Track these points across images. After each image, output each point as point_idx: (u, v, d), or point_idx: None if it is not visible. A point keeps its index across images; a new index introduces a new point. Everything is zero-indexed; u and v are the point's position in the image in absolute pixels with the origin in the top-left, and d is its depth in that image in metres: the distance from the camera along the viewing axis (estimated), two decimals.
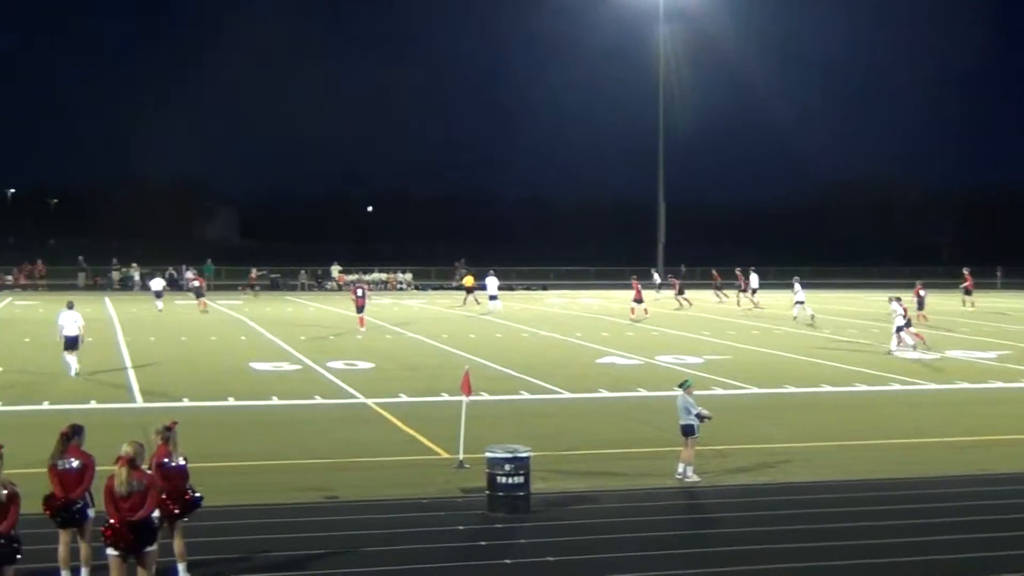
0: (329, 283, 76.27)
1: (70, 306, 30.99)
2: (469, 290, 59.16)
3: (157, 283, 56.31)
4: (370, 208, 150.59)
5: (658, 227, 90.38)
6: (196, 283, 58.93)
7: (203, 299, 54.23)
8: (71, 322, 30.01)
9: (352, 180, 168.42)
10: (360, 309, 44.39)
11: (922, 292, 48.31)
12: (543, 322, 47.91)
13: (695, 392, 18.97)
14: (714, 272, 66.64)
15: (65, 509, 12.36)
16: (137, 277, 73.01)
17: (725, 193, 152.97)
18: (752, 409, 25.65)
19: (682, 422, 18.20)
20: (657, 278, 68.37)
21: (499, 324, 46.89)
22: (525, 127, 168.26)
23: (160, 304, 52.78)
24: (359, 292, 45.52)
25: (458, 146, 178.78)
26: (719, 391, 27.90)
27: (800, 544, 14.65)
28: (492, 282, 55.87)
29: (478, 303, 56.53)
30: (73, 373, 29.37)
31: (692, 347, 37.94)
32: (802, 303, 48.98)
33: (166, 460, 12.64)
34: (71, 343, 29.87)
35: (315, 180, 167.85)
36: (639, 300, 50.21)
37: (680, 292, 59.75)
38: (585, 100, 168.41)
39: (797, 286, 49.72)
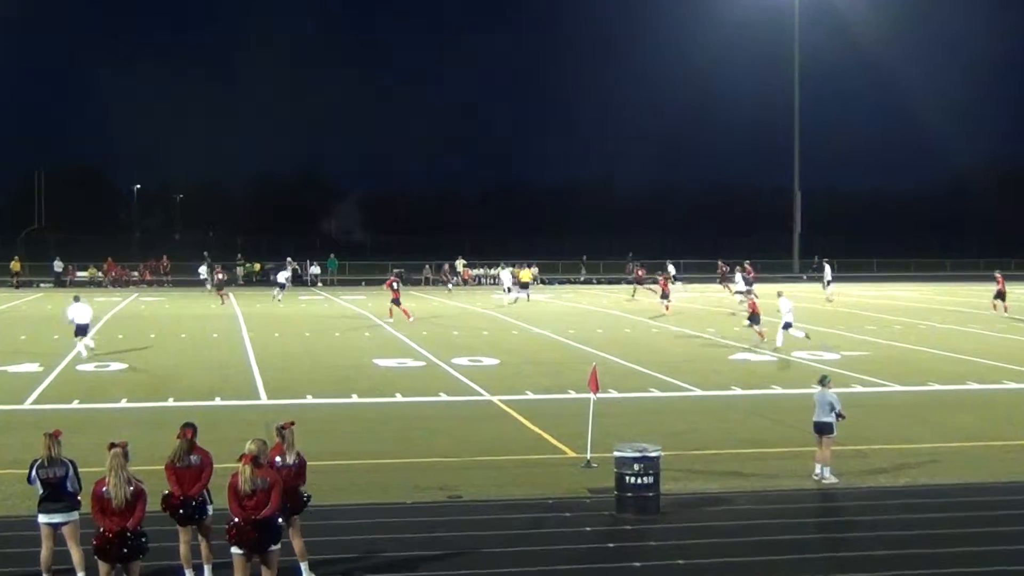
0: (454, 278, 76.80)
1: (77, 299, 34.22)
2: (640, 282, 60.99)
3: (282, 275, 58.01)
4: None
5: (793, 217, 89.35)
6: (220, 276, 60.34)
7: (224, 291, 55.90)
8: (81, 312, 33.20)
9: (473, 172, 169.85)
10: (396, 302, 45.21)
11: (1003, 283, 47.75)
12: (673, 316, 47.63)
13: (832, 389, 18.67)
14: (720, 264, 65.15)
15: (184, 507, 12.63)
16: (205, 273, 72.62)
17: (858, 182, 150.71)
18: (894, 407, 25.19)
19: (819, 419, 17.95)
20: (829, 271, 65.35)
21: (628, 319, 46.74)
22: (646, 116, 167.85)
23: (279, 295, 54.59)
24: (395, 285, 46.50)
25: (579, 137, 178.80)
26: (859, 388, 27.45)
27: (943, 550, 14.35)
28: (506, 276, 58.85)
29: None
30: (84, 354, 32.56)
31: (830, 342, 37.36)
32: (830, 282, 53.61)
33: (277, 459, 12.84)
34: (82, 330, 33.15)
35: (435, 173, 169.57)
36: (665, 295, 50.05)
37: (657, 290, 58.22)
38: (713, 87, 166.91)
39: (827, 268, 54.92)
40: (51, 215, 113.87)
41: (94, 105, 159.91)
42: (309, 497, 13.24)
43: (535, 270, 79.87)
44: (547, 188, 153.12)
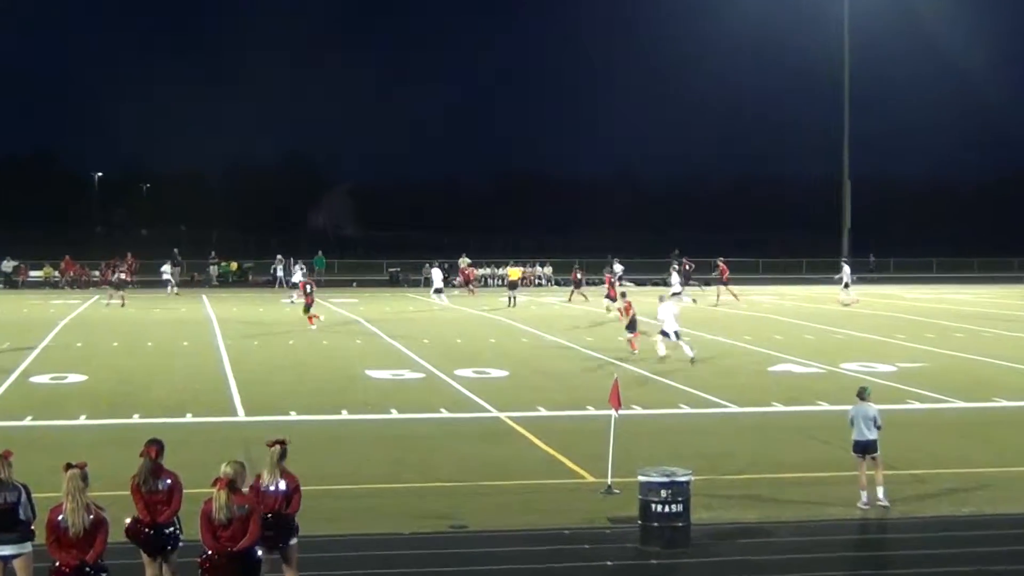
0: (456, 278, 76.81)
1: None
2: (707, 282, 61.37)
3: (298, 274, 59.07)
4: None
5: (843, 210, 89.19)
6: (122, 274, 60.55)
7: (122, 293, 56.27)
8: None
9: (475, 164, 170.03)
10: (308, 308, 45.52)
11: None
12: (706, 323, 47.58)
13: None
14: (721, 263, 64.98)
15: (151, 535, 12.62)
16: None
17: (914, 173, 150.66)
18: (955, 426, 25.16)
19: (861, 438, 17.96)
20: (848, 271, 64.96)
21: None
22: (674, 104, 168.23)
23: (295, 298, 56.51)
24: (308, 288, 46.97)
25: (600, 129, 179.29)
26: (915, 404, 27.43)
27: None
28: (437, 275, 59.82)
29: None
30: None
31: (883, 352, 37.38)
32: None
33: (266, 483, 12.82)
34: None
35: (434, 163, 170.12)
36: (612, 298, 49.47)
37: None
38: (756, 71, 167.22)
39: (846, 268, 57.64)
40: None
41: (52, 84, 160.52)
42: (294, 528, 13.19)
43: (549, 269, 79.98)
44: (565, 181, 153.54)
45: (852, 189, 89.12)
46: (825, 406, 27.26)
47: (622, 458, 19.07)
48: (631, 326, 36.84)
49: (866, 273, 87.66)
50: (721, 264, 62.42)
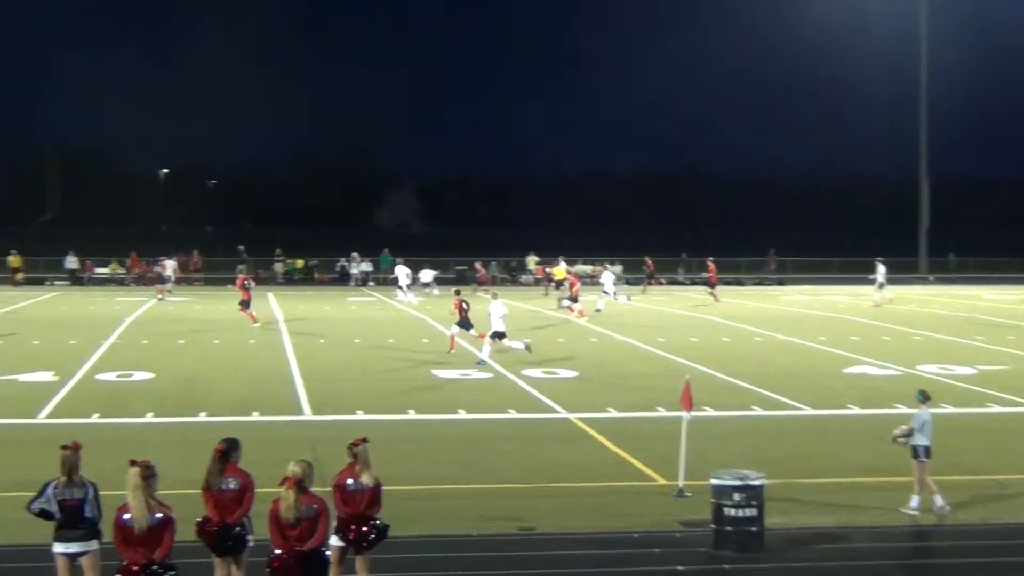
0: (524, 276, 76.87)
1: None
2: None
3: (427, 274, 59.77)
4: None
5: (920, 209, 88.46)
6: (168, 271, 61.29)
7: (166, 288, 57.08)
8: None
9: (544, 159, 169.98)
10: (245, 304, 45.37)
11: None
12: (779, 323, 47.38)
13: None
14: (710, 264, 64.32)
15: (221, 535, 12.74)
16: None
17: (994, 170, 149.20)
18: None
19: (930, 442, 17.87)
20: (882, 271, 63.56)
21: (727, 326, 46.56)
22: (747, 100, 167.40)
23: (406, 295, 58.69)
24: (247, 283, 46.73)
25: (670, 124, 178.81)
26: (996, 408, 27.18)
27: None
28: (401, 271, 61.34)
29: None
30: None
31: (962, 354, 37.07)
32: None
33: (349, 482, 12.90)
34: None
35: (502, 160, 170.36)
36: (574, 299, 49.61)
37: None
38: (831, 67, 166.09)
39: (881, 268, 57.68)
40: (65, 204, 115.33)
41: (116, 84, 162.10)
42: (385, 527, 13.27)
43: (619, 268, 79.68)
44: (637, 177, 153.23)
45: (930, 187, 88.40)
46: (902, 409, 26.97)
47: (694, 460, 19.01)
48: (464, 323, 36.75)
49: (946, 273, 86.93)
50: (711, 264, 62.24)
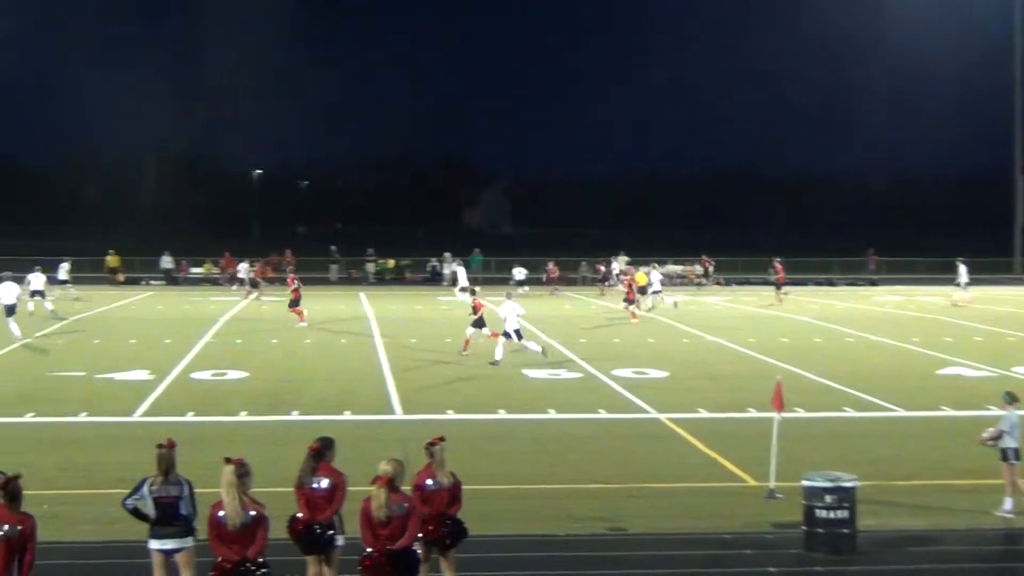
0: (613, 276, 76.61)
1: (2, 279, 40.47)
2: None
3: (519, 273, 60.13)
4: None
5: (1015, 207, 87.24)
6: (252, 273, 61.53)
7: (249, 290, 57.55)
8: (8, 292, 39.74)
9: (633, 159, 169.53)
10: (295, 303, 45.84)
11: None
12: (872, 324, 46.96)
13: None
14: (777, 264, 63.31)
15: (311, 533, 12.84)
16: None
17: None
18: None
19: (1014, 445, 17.66)
20: (964, 271, 61.93)
21: (818, 327, 46.22)
22: (828, 96, 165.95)
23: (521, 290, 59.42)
24: (295, 284, 47.11)
25: (763, 121, 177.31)
26: None
27: None
28: (462, 272, 61.31)
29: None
30: (18, 334, 38.25)
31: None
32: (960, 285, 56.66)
33: (428, 482, 12.96)
34: (10, 311, 39.44)
35: (591, 160, 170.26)
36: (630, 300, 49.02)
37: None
38: (914, 58, 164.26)
39: (962, 268, 57.32)
40: (161, 205, 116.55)
41: (209, 87, 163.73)
42: (464, 526, 13.31)
43: (704, 267, 79.31)
44: (728, 176, 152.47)
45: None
46: (996, 411, 26.63)
47: (785, 462, 18.91)
48: (479, 323, 36.44)
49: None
50: (778, 265, 61.57)
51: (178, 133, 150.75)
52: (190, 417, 25.58)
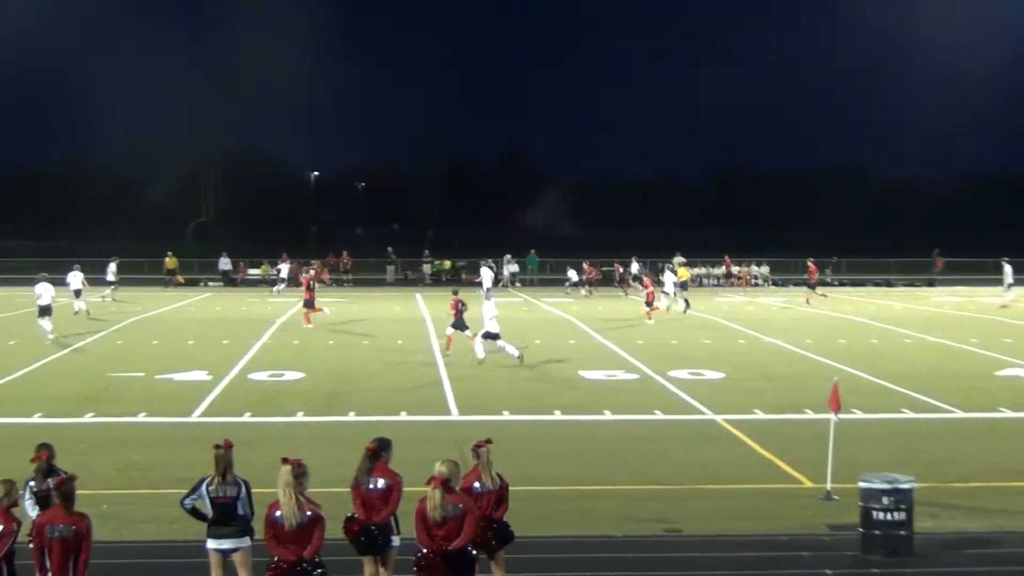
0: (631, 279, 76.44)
1: (43, 278, 40.90)
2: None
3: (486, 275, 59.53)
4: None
5: None
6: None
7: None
8: (45, 292, 40.03)
9: (687, 159, 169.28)
10: (309, 303, 45.68)
11: None
12: (929, 325, 46.62)
13: None
14: (811, 264, 62.74)
15: (367, 534, 12.88)
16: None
17: None
18: None
19: None
20: (1009, 271, 59.91)
21: (875, 328, 45.93)
22: (902, 94, 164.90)
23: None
24: (312, 284, 47.08)
25: (820, 120, 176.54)
26: None
27: None
28: (486, 274, 59.52)
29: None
30: (51, 335, 39.00)
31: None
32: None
33: (475, 484, 12.96)
34: (45, 311, 39.73)
35: (647, 160, 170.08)
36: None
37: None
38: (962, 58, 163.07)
39: (1008, 268, 56.83)
40: (219, 206, 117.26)
41: (267, 88, 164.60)
42: (510, 529, 13.29)
43: (765, 269, 79.05)
44: (781, 176, 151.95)
45: None
46: None
47: (841, 463, 18.82)
48: (459, 324, 35.85)
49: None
50: (811, 265, 61.30)
51: (236, 136, 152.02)
52: (247, 417, 25.72)
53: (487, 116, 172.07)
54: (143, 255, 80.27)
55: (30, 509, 12.56)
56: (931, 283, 78.30)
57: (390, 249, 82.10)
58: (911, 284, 77.46)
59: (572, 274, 69.54)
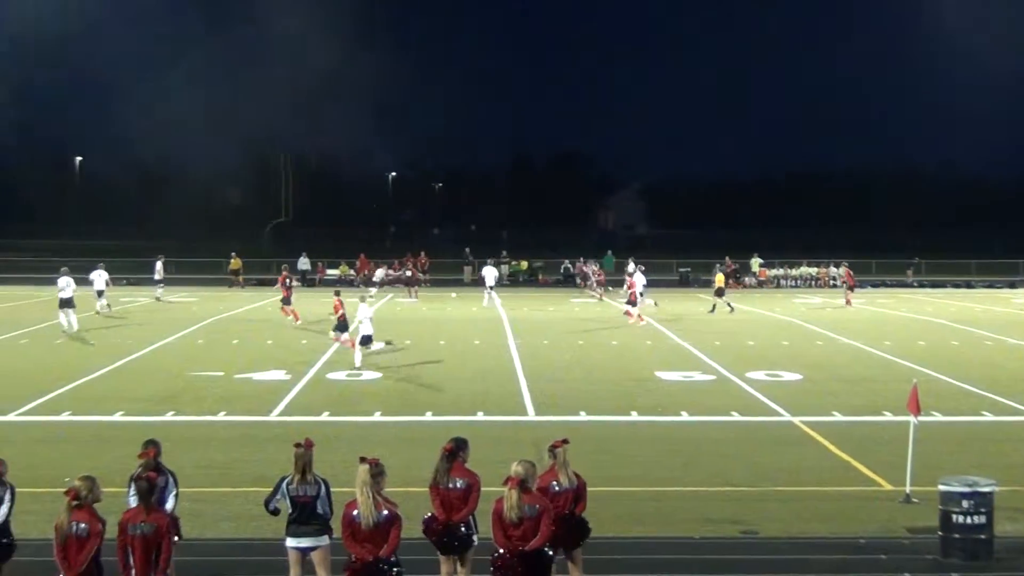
0: (747, 277, 76.14)
1: (64, 272, 42.63)
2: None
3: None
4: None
5: None
6: (408, 272, 61.45)
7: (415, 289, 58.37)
8: (66, 285, 42.00)
9: (764, 160, 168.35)
10: (286, 301, 46.64)
11: None
12: (1011, 327, 46.08)
13: None
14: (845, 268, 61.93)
15: (446, 533, 12.92)
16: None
17: None
18: None
19: None
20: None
21: (955, 329, 45.48)
22: (980, 94, 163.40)
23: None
24: (287, 282, 47.83)
25: (898, 120, 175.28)
26: None
27: None
28: (490, 272, 59.55)
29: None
30: (73, 328, 41.38)
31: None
32: None
33: (552, 484, 12.96)
34: (66, 303, 41.81)
35: (722, 161, 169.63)
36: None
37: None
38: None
39: None
40: (298, 207, 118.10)
41: (343, 90, 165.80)
42: (587, 526, 13.30)
43: (843, 270, 78.37)
44: (868, 177, 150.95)
45: None
46: None
47: (921, 466, 18.66)
48: (341, 326, 36.26)
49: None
50: (846, 269, 60.80)
51: (313, 137, 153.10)
52: (325, 417, 25.86)
53: (566, 117, 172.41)
54: (216, 255, 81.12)
55: (134, 504, 12.70)
56: (1012, 285, 77.38)
57: (467, 249, 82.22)
58: (991, 286, 76.55)
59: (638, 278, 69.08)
